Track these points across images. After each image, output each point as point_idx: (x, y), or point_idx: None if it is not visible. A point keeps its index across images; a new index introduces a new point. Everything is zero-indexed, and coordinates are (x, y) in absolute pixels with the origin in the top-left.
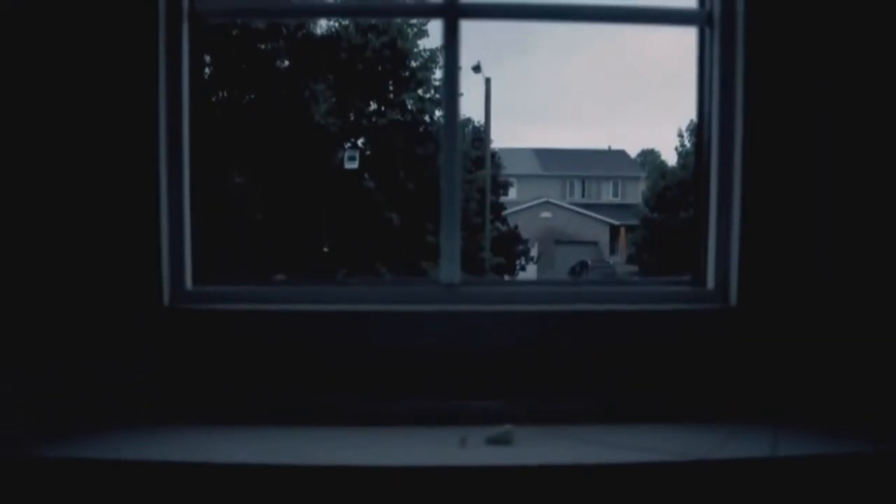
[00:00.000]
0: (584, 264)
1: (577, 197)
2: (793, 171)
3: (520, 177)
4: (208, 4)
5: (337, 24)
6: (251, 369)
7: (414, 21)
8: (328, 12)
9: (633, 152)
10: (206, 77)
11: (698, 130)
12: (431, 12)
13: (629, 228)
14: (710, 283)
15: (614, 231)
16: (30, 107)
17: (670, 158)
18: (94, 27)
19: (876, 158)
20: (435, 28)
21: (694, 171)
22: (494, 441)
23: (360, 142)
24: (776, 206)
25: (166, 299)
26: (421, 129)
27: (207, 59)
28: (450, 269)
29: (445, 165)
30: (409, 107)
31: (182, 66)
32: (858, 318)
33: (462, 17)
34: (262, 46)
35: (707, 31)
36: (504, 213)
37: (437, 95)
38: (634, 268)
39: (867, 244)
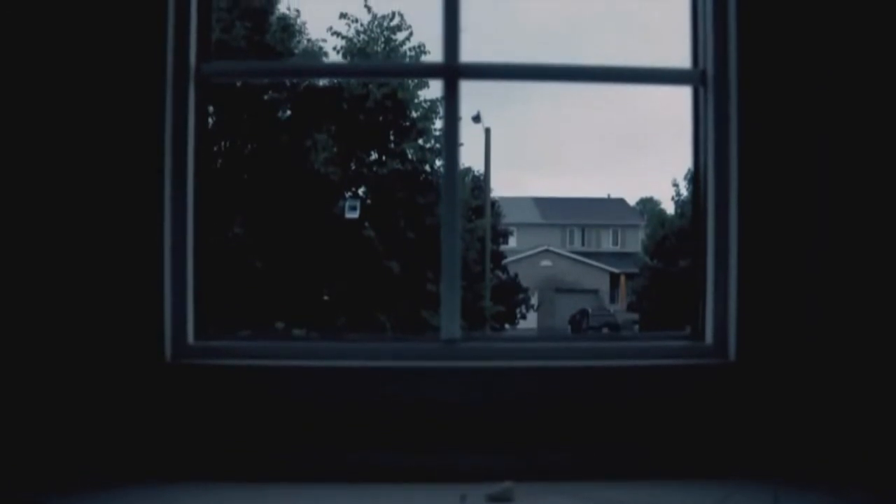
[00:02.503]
0: (584, 313)
1: (577, 245)
2: (790, 226)
3: (520, 225)
4: (213, 67)
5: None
6: (252, 425)
7: None
8: (330, 73)
9: (632, 200)
10: (209, 127)
11: (694, 187)
12: (431, 73)
13: (629, 276)
14: (709, 337)
15: (614, 279)
16: (42, 161)
17: (669, 207)
18: (105, 87)
19: (873, 213)
20: (436, 80)
21: (691, 226)
22: (495, 498)
23: (360, 191)
24: (774, 262)
25: (168, 354)
26: (421, 179)
27: (210, 108)
28: (450, 325)
29: (445, 225)
30: (410, 156)
31: (188, 124)
32: (859, 373)
33: (461, 77)
34: (265, 97)
35: (701, 90)
36: (504, 261)
37: (438, 145)
38: (635, 316)
39: (866, 298)
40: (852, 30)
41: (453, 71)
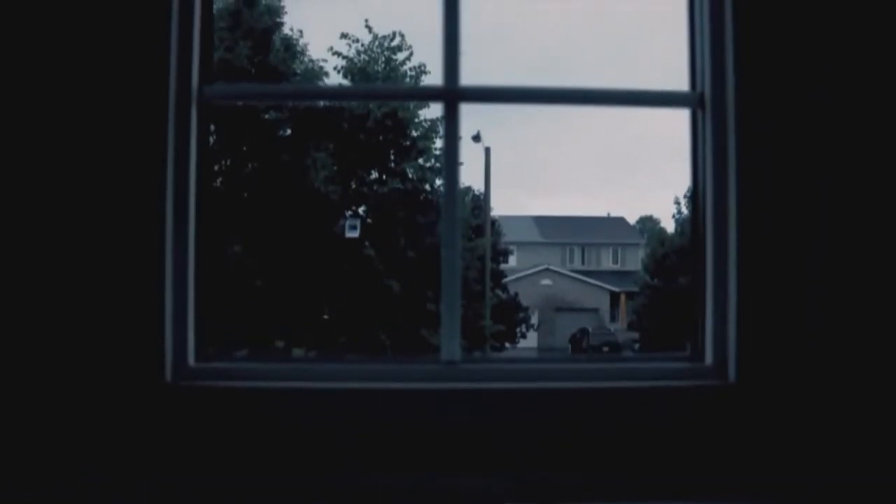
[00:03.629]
0: (584, 331)
1: (577, 264)
2: (789, 247)
3: (520, 244)
4: (216, 89)
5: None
6: (253, 446)
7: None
8: (331, 95)
9: (632, 219)
10: (210, 145)
11: (693, 209)
12: (432, 96)
13: (629, 295)
14: (709, 358)
15: (614, 298)
16: (46, 183)
17: (669, 225)
18: (107, 109)
19: (874, 233)
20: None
21: (690, 247)
22: None
23: (360, 210)
24: (773, 283)
25: (169, 376)
26: (421, 198)
27: (211, 127)
28: (450, 346)
29: (446, 245)
30: (410, 175)
31: (190, 147)
32: (862, 396)
33: (462, 100)
34: (265, 116)
35: (699, 112)
36: (504, 280)
37: (438, 164)
38: (635, 335)
39: (869, 320)
40: (849, 51)
41: (453, 94)
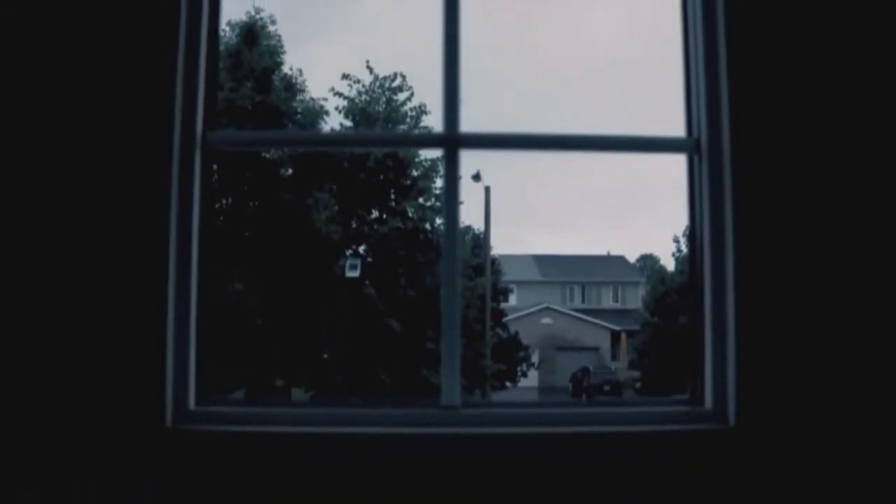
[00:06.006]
0: (585, 370)
1: (578, 302)
2: (788, 289)
3: (520, 283)
4: (219, 136)
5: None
6: (253, 492)
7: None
8: (332, 142)
9: (632, 258)
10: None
11: (691, 253)
12: (432, 142)
13: (630, 333)
14: (708, 402)
15: (615, 336)
16: (51, 228)
17: (669, 263)
18: (111, 155)
19: (871, 271)
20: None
21: (688, 289)
22: None
23: (361, 249)
24: (772, 325)
25: (169, 420)
26: (422, 237)
27: (213, 166)
28: (450, 390)
29: (446, 288)
30: (411, 215)
31: (193, 193)
32: (862, 437)
33: (462, 147)
34: (266, 155)
35: (696, 157)
36: (504, 319)
37: (438, 203)
38: (636, 373)
39: (869, 359)
40: (842, 96)
41: (453, 141)
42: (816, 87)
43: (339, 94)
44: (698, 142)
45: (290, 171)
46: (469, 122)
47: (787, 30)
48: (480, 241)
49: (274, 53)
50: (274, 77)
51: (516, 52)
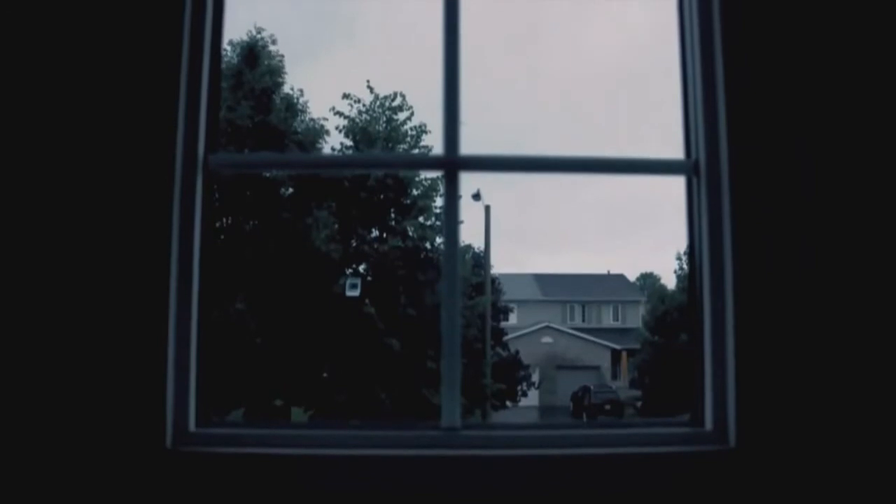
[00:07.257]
0: (586, 389)
1: (578, 321)
2: (787, 308)
3: (520, 302)
4: (221, 158)
5: (341, 153)
6: None
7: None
8: (333, 164)
9: (632, 276)
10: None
11: (690, 273)
12: (432, 165)
13: (630, 352)
14: (708, 423)
15: (615, 355)
16: (54, 249)
17: (669, 282)
18: (114, 179)
19: (869, 291)
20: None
21: (688, 310)
22: None
23: (361, 268)
24: (772, 346)
25: (169, 442)
26: (422, 256)
27: (214, 187)
28: (451, 411)
29: (446, 307)
30: (411, 233)
31: (195, 215)
32: (863, 458)
33: (461, 169)
34: (266, 174)
35: (695, 179)
36: (505, 338)
37: (438, 222)
38: (637, 392)
39: (870, 378)
40: (840, 118)
41: (453, 164)
42: (813, 110)
43: (340, 114)
44: (697, 164)
45: (290, 189)
46: (468, 141)
47: (784, 53)
48: (481, 260)
49: (275, 73)
50: (275, 97)
51: (516, 71)
